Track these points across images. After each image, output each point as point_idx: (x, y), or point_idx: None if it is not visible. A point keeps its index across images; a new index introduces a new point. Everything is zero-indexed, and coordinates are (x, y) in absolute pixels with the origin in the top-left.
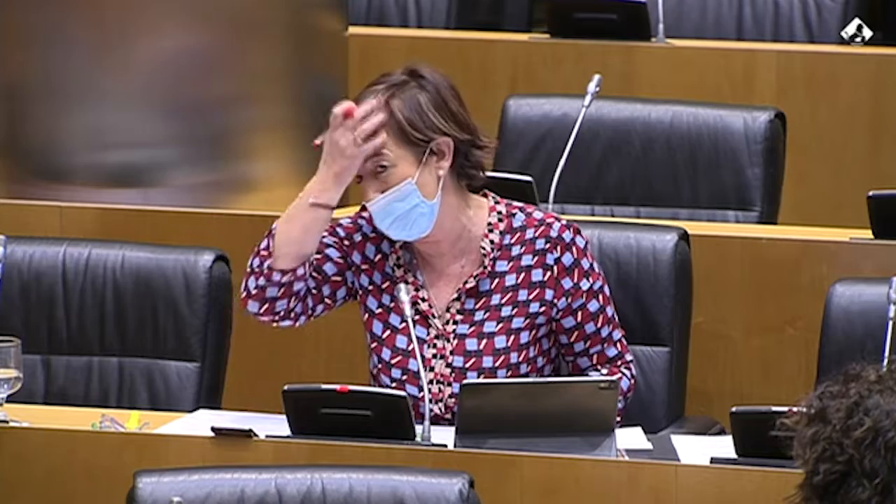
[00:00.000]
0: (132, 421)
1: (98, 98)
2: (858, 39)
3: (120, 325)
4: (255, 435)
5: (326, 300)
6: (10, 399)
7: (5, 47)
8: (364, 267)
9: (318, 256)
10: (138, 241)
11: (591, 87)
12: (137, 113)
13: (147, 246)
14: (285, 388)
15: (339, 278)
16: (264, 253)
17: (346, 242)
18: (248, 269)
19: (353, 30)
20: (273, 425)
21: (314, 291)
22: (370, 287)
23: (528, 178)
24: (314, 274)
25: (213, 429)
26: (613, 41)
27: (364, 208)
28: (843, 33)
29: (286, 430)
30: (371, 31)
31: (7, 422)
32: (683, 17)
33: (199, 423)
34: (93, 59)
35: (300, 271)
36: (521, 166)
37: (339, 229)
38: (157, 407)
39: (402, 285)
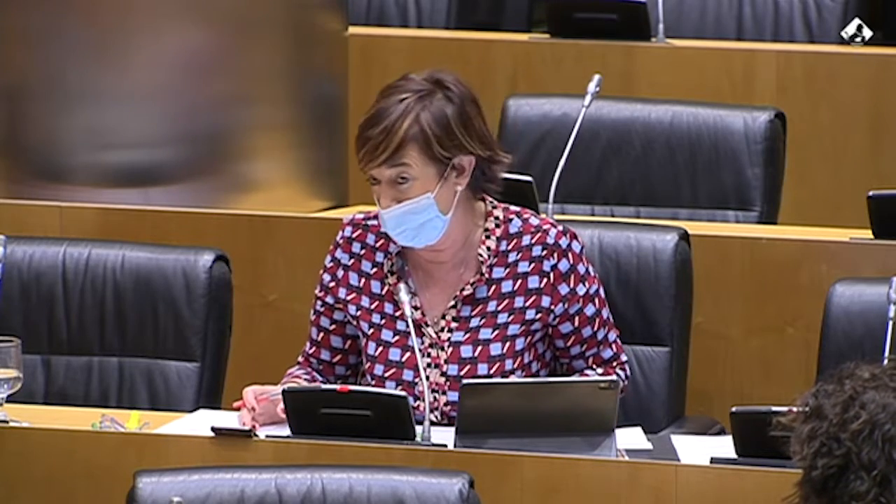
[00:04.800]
0: (132, 421)
1: (98, 98)
2: (858, 39)
3: (120, 325)
4: (255, 435)
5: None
6: (10, 399)
7: (5, 47)
8: (350, 297)
9: (322, 339)
10: (138, 241)
11: (591, 87)
12: (137, 113)
13: (147, 246)
14: (285, 388)
15: (350, 340)
16: None
17: (332, 284)
18: None
19: (353, 30)
20: (273, 425)
21: (350, 371)
22: (358, 313)
23: (529, 178)
24: (334, 360)
25: (213, 429)
26: (613, 41)
27: (346, 225)
28: (843, 33)
29: (286, 430)
30: (371, 31)
31: (7, 422)
32: (683, 17)
33: (199, 423)
34: (93, 59)
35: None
36: (521, 166)
37: (324, 276)
38: (157, 407)
39: (401, 285)
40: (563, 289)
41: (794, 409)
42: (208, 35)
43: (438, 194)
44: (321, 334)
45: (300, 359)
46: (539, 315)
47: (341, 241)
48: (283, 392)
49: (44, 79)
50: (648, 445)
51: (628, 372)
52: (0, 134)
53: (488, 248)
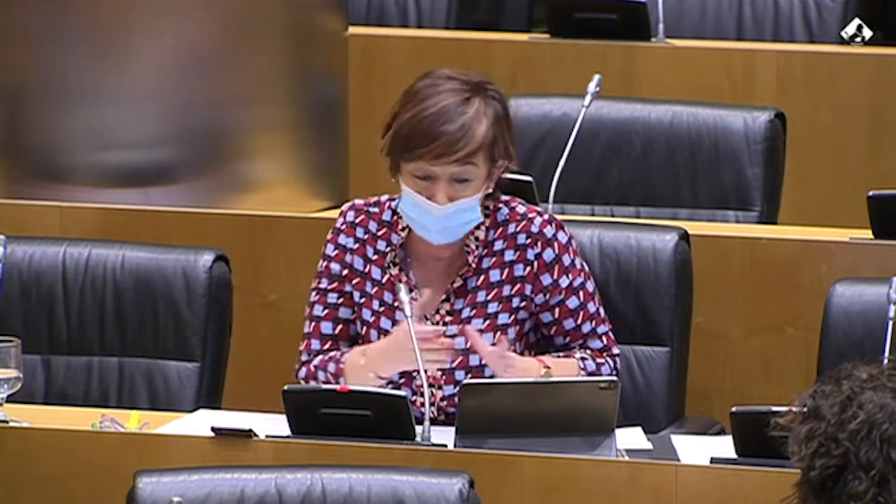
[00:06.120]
0: (132, 421)
1: (98, 98)
2: (858, 39)
3: (120, 325)
4: (255, 435)
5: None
6: (10, 399)
7: (5, 47)
8: (356, 282)
9: (340, 332)
10: (138, 241)
11: (591, 87)
12: (137, 113)
13: (147, 246)
14: (285, 388)
15: (355, 310)
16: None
17: (344, 272)
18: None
19: (353, 30)
20: (273, 425)
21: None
22: (363, 300)
23: (528, 178)
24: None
25: (213, 429)
26: (613, 41)
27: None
28: (843, 33)
29: (286, 430)
30: (371, 31)
31: (7, 422)
32: (683, 17)
33: (199, 423)
34: (93, 59)
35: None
36: (521, 166)
37: (332, 265)
38: (157, 407)
39: (401, 285)
40: (546, 279)
41: (793, 409)
42: (209, 35)
43: (482, 196)
44: (339, 326)
45: (304, 357)
46: (523, 303)
47: (344, 227)
48: (283, 392)
49: (44, 79)
50: (648, 445)
51: (618, 365)
52: (0, 134)
53: (476, 239)
